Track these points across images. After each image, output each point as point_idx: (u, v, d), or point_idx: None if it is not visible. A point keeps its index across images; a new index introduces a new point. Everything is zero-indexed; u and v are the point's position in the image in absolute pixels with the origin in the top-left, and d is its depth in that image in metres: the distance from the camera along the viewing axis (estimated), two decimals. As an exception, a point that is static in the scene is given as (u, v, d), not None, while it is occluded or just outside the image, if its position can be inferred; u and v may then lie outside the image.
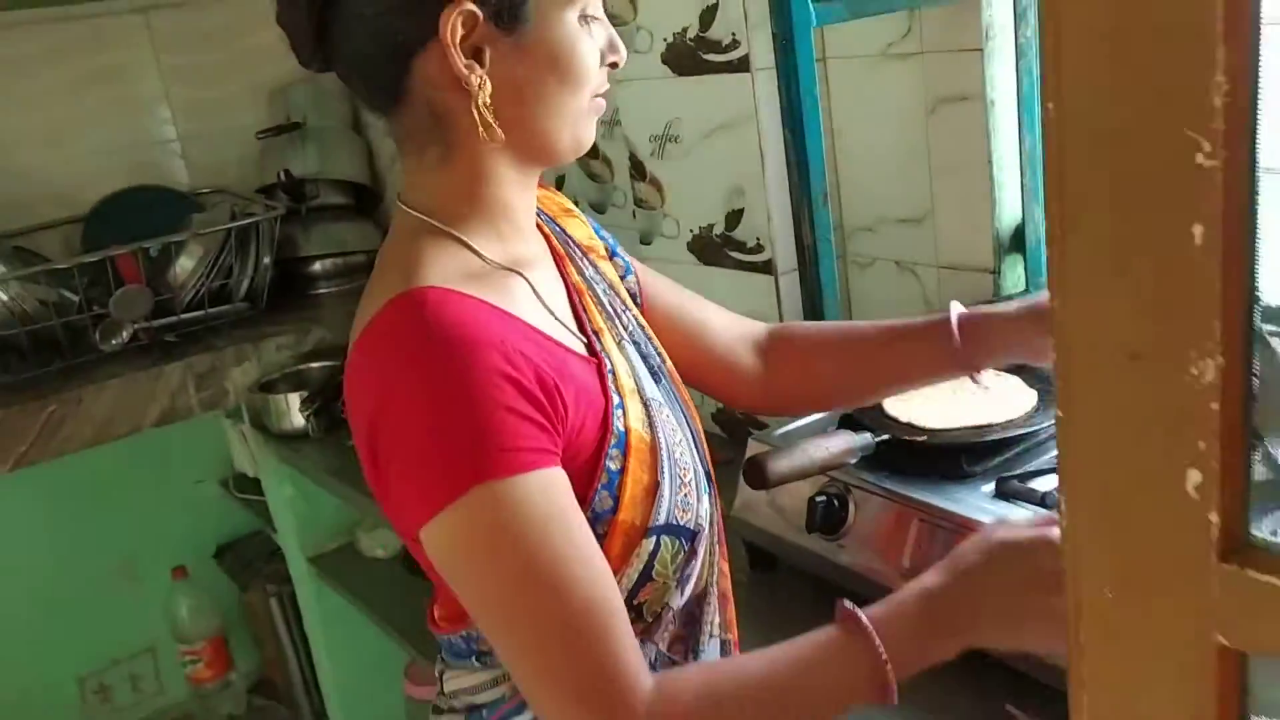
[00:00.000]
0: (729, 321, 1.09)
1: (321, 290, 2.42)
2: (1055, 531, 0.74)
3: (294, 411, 2.03)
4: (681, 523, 0.85)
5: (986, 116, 1.35)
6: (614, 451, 0.82)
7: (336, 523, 2.22)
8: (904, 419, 1.20)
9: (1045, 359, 0.96)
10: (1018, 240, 1.42)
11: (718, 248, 1.62)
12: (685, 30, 1.55)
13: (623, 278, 1.01)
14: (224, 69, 2.54)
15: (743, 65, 1.48)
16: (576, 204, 1.97)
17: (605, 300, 0.94)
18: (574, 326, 0.89)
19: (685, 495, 0.86)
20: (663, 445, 0.85)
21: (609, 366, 0.86)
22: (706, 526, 0.89)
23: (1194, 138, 0.43)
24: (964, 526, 1.05)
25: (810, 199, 1.30)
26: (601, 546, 0.78)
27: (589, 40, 0.82)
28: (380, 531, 2.15)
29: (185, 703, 2.71)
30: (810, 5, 1.23)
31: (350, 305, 0.86)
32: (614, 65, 0.86)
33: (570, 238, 0.98)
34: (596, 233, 1.03)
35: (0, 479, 1.95)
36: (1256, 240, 0.44)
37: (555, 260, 0.93)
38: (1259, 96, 0.43)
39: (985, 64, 1.33)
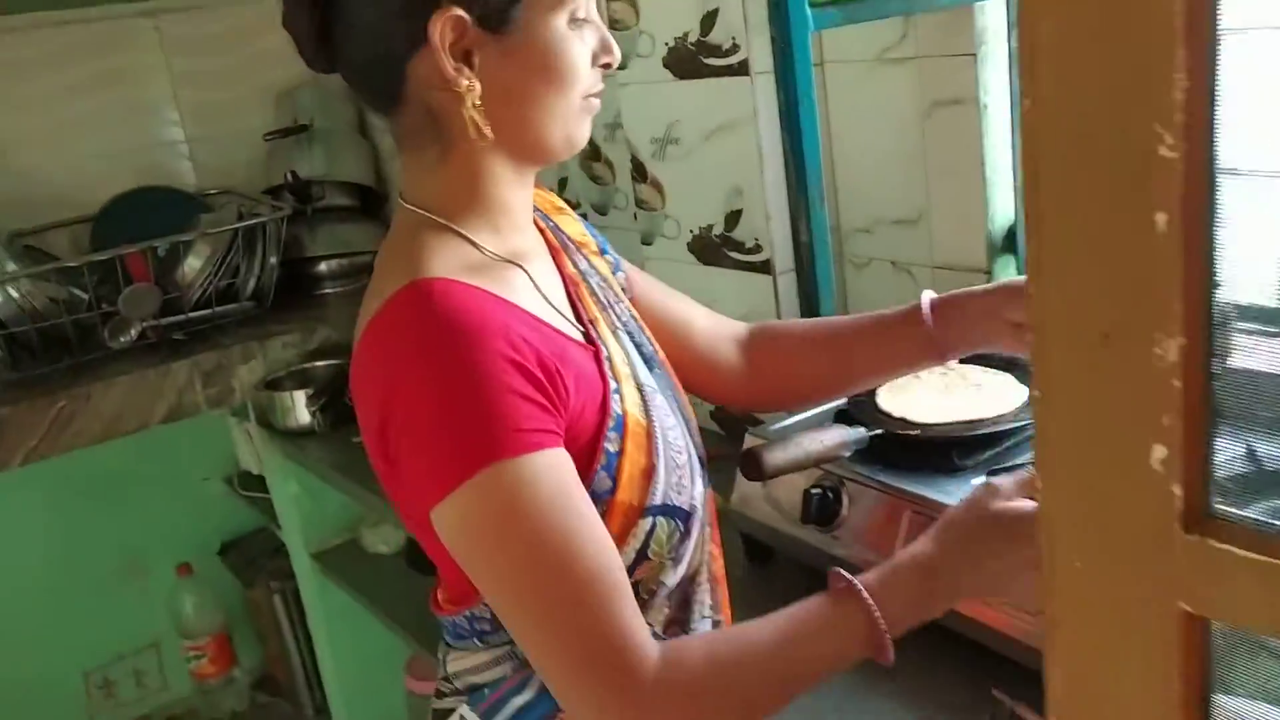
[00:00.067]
0: (711, 320, 1.12)
1: (327, 290, 2.45)
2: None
3: (299, 408, 2.06)
4: (676, 504, 0.88)
5: (980, 120, 1.38)
6: (612, 434, 0.85)
7: (340, 519, 2.24)
8: (897, 414, 1.23)
9: (1010, 336, 0.99)
10: (1010, 241, 1.45)
11: (717, 248, 1.65)
12: (686, 35, 1.58)
13: (613, 273, 1.04)
14: (232, 72, 2.58)
15: (742, 69, 1.51)
16: (578, 206, 2.00)
17: (599, 292, 0.97)
18: (571, 316, 0.92)
19: (679, 478, 0.89)
20: (657, 429, 0.88)
21: (606, 353, 0.90)
22: (700, 508, 0.92)
23: (1157, 131, 0.46)
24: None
25: (807, 200, 1.33)
26: None
27: (578, 43, 0.85)
28: (383, 528, 2.18)
29: (189, 698, 2.74)
30: (808, 10, 1.26)
31: (355, 305, 0.89)
32: (606, 66, 0.88)
33: (564, 233, 1.01)
34: (587, 230, 1.06)
35: (9, 475, 1.98)
36: (1216, 227, 0.47)
37: (551, 253, 0.97)
38: (1217, 93, 0.46)
39: (979, 69, 1.36)
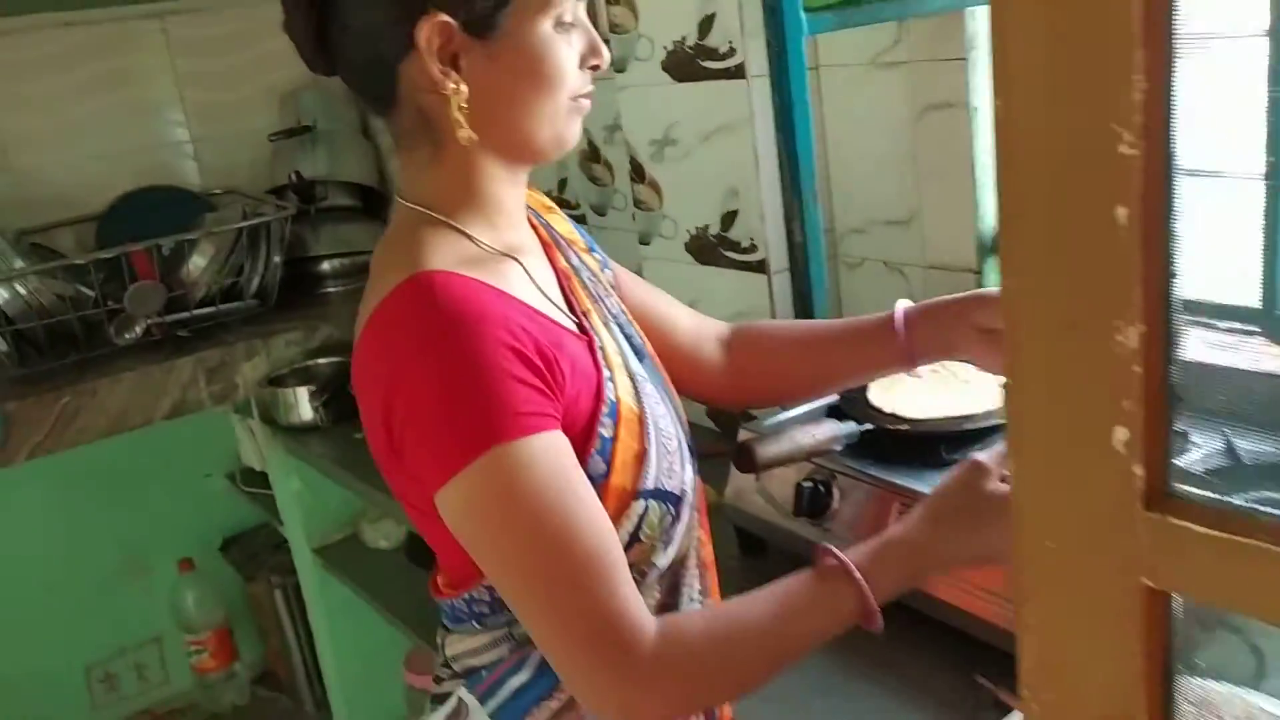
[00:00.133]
0: (694, 319, 1.16)
1: (330, 289, 2.48)
2: None
3: (302, 405, 2.09)
4: (667, 488, 0.91)
5: (970, 123, 1.41)
6: (606, 420, 0.88)
7: (341, 515, 2.27)
8: (888, 409, 1.26)
9: (977, 343, 1.02)
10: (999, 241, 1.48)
11: (713, 248, 1.68)
12: (684, 39, 1.61)
13: (601, 270, 1.07)
14: (236, 73, 2.61)
15: (739, 72, 1.54)
16: (577, 206, 2.03)
17: (590, 285, 1.00)
18: (565, 307, 0.95)
19: (670, 463, 0.92)
20: (649, 416, 0.92)
21: (599, 343, 0.93)
22: (689, 492, 0.95)
23: (1117, 130, 0.49)
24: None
25: (801, 200, 1.36)
26: None
27: (564, 46, 0.88)
28: (384, 523, 2.21)
29: (190, 692, 2.77)
30: (802, 15, 1.30)
31: (358, 303, 0.91)
32: (595, 68, 0.91)
33: (555, 230, 1.04)
34: (576, 229, 1.09)
35: (13, 470, 2.01)
36: (1173, 221, 0.50)
37: (544, 248, 1.00)
38: (1174, 95, 0.49)
39: (969, 73, 1.39)
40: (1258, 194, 1.02)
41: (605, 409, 0.88)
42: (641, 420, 0.91)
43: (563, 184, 2.20)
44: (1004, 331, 0.57)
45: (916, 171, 1.50)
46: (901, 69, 1.47)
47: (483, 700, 0.92)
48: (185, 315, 2.14)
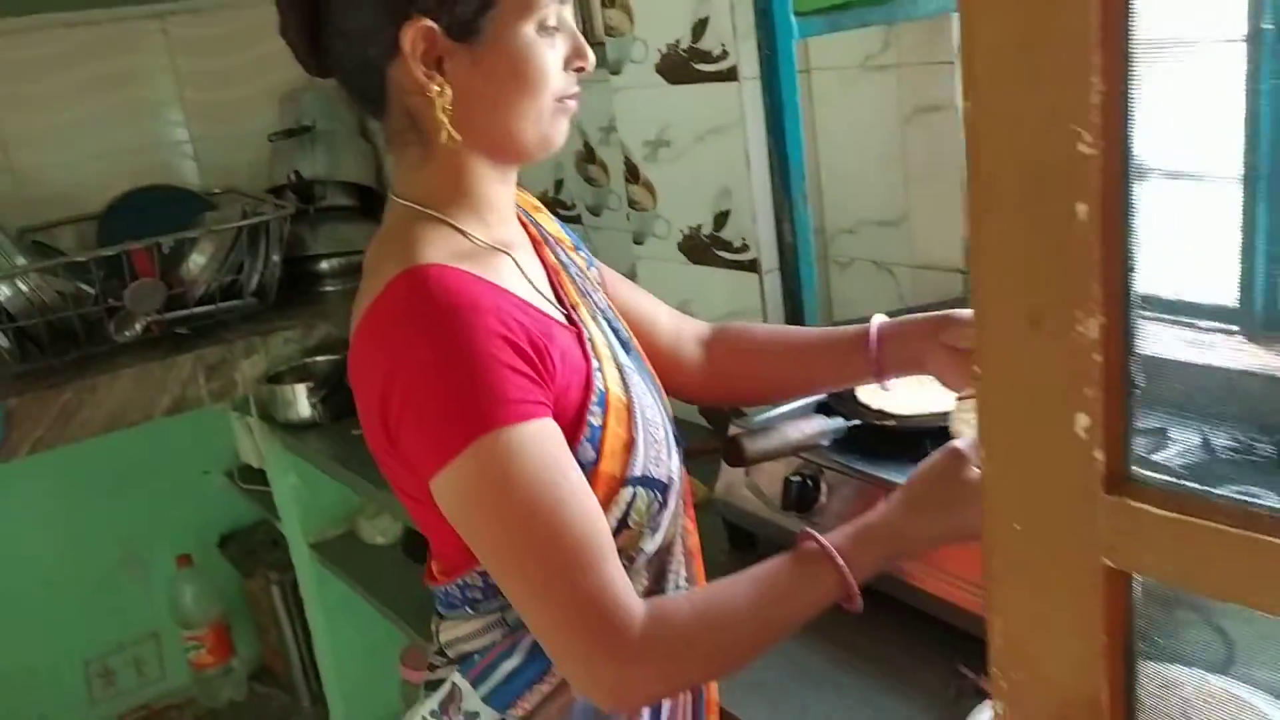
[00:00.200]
0: (675, 318, 1.19)
1: (328, 288, 2.50)
2: None
3: (300, 401, 2.11)
4: (654, 475, 0.94)
5: (958, 125, 1.43)
6: (595, 409, 0.90)
7: (338, 511, 2.30)
8: (875, 406, 1.28)
9: (943, 362, 1.05)
10: (987, 243, 1.50)
11: (706, 247, 1.70)
12: (678, 42, 1.64)
13: (588, 268, 1.10)
14: (236, 74, 2.64)
15: (731, 75, 1.56)
16: (573, 207, 2.06)
17: (578, 281, 1.03)
18: (554, 300, 0.98)
19: (657, 451, 0.95)
20: (636, 406, 0.94)
21: (587, 335, 0.95)
22: (676, 480, 0.98)
23: (1076, 130, 0.51)
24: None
25: (790, 200, 1.39)
26: None
27: (547, 49, 0.90)
28: (381, 519, 2.23)
29: (187, 687, 2.79)
30: (792, 19, 1.32)
31: (355, 302, 0.94)
32: (580, 70, 0.94)
33: (543, 228, 1.07)
34: (563, 229, 1.12)
35: (14, 466, 2.04)
36: (1131, 217, 0.53)
37: (533, 245, 1.02)
38: (1130, 96, 0.51)
39: (957, 76, 1.42)
40: (1237, 196, 1.05)
41: (594, 398, 0.91)
42: (629, 409, 0.93)
43: (559, 185, 2.23)
44: (970, 350, 0.60)
45: (906, 173, 1.53)
46: (891, 72, 1.50)
47: (475, 685, 0.95)
48: (185, 313, 2.16)
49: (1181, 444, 0.90)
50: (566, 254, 1.06)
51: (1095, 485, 0.55)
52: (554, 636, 0.83)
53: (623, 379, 0.95)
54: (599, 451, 0.90)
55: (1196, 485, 0.55)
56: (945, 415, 1.25)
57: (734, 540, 1.40)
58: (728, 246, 1.66)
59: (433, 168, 0.93)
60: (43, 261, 2.13)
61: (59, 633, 2.61)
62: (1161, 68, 0.60)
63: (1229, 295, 1.11)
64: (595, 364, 0.93)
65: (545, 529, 0.81)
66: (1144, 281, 0.62)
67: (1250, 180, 1.04)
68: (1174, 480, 0.55)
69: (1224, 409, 0.89)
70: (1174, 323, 0.94)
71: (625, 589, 0.83)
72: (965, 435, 1.03)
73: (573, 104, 0.94)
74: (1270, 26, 0.89)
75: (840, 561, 0.87)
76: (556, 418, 0.86)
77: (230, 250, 2.20)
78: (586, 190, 2.15)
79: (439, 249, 0.88)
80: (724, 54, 1.57)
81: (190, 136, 2.65)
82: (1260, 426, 0.87)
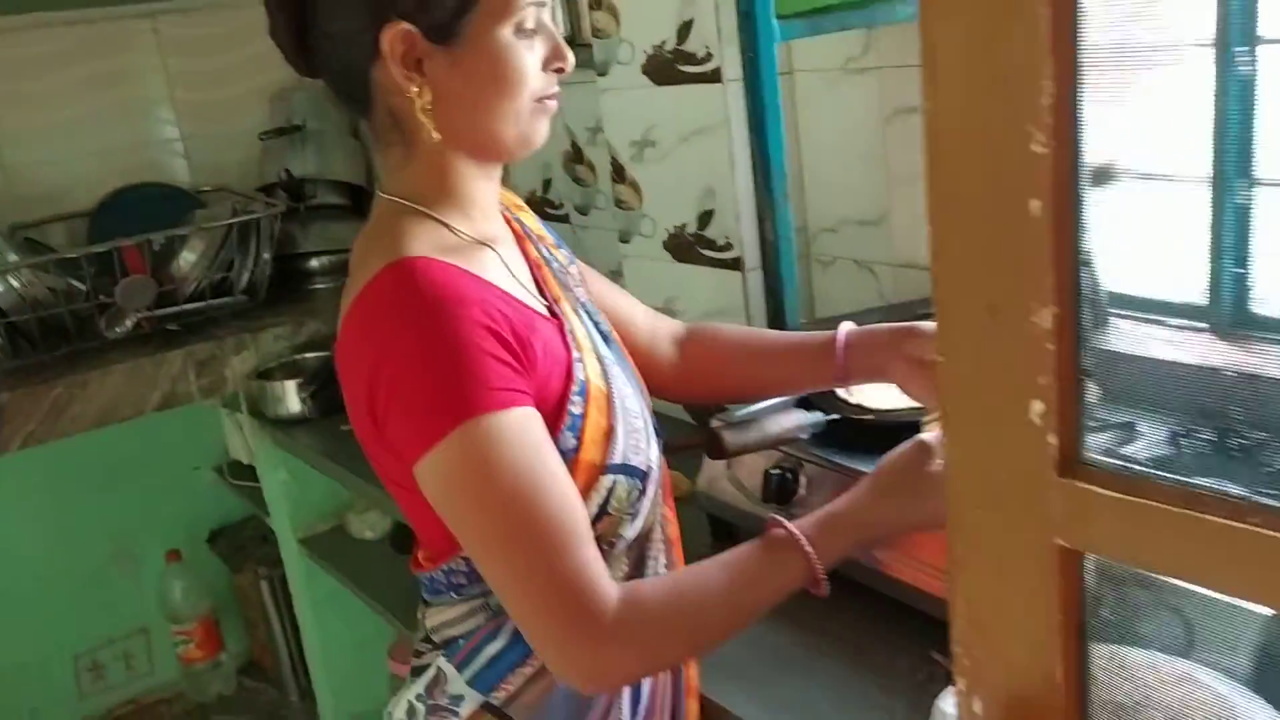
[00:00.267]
0: (651, 317, 1.23)
1: (318, 285, 2.52)
2: None
3: (290, 397, 2.13)
4: (634, 463, 0.96)
5: (937, 127, 1.46)
6: (576, 398, 0.93)
7: (327, 506, 2.32)
8: (853, 400, 1.31)
9: (905, 372, 1.08)
10: (966, 242, 1.54)
11: (690, 246, 1.73)
12: (663, 44, 1.66)
13: (569, 264, 1.13)
14: (227, 73, 2.66)
15: (715, 76, 1.59)
16: (561, 206, 2.08)
17: (560, 276, 1.06)
18: (537, 293, 1.01)
19: (636, 440, 0.98)
20: (616, 395, 0.97)
21: (568, 326, 0.98)
22: (655, 469, 1.01)
23: (1030, 130, 0.54)
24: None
25: (772, 199, 1.41)
26: None
27: (525, 51, 0.92)
28: (369, 514, 2.25)
29: (176, 682, 2.80)
30: (774, 23, 1.35)
31: (344, 299, 0.96)
32: (559, 70, 0.96)
33: (525, 225, 1.10)
34: (544, 227, 1.15)
35: (4, 460, 2.06)
36: (1082, 212, 0.56)
37: (516, 240, 1.05)
38: (1079, 98, 0.54)
39: (935, 79, 1.45)
40: (1207, 197, 1.08)
41: (575, 388, 0.93)
42: (609, 399, 0.96)
43: (547, 184, 2.25)
44: (931, 363, 0.63)
45: (886, 173, 1.55)
46: (872, 74, 1.53)
47: (460, 668, 0.97)
48: (175, 309, 2.18)
49: (1151, 438, 0.93)
50: (549, 250, 1.08)
51: (1049, 469, 0.58)
52: (530, 619, 0.85)
53: (603, 369, 0.98)
54: (580, 439, 0.92)
55: (1143, 469, 0.58)
56: (920, 410, 1.28)
57: (716, 532, 1.43)
58: (712, 245, 1.69)
59: (417, 165, 0.96)
60: (34, 258, 2.14)
61: (48, 627, 2.63)
62: (1130, 72, 0.63)
63: (1199, 294, 1.14)
64: (576, 355, 0.96)
65: (524, 513, 0.84)
66: (1116, 281, 0.66)
67: (1218, 182, 1.07)
68: (1123, 464, 0.58)
69: (1193, 404, 0.91)
70: (1146, 320, 0.97)
71: (601, 573, 0.85)
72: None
73: (553, 104, 0.97)
74: (1237, 29, 0.92)
75: (807, 548, 0.90)
76: (538, 406, 0.88)
77: (221, 247, 2.22)
78: (574, 190, 2.17)
79: (425, 242, 0.91)
80: (708, 56, 1.60)
81: (181, 135, 2.67)
82: (1227, 420, 0.90)
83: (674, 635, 0.88)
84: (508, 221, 1.06)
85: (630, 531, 0.96)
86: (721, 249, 1.67)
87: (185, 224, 2.20)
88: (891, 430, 1.27)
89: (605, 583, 0.85)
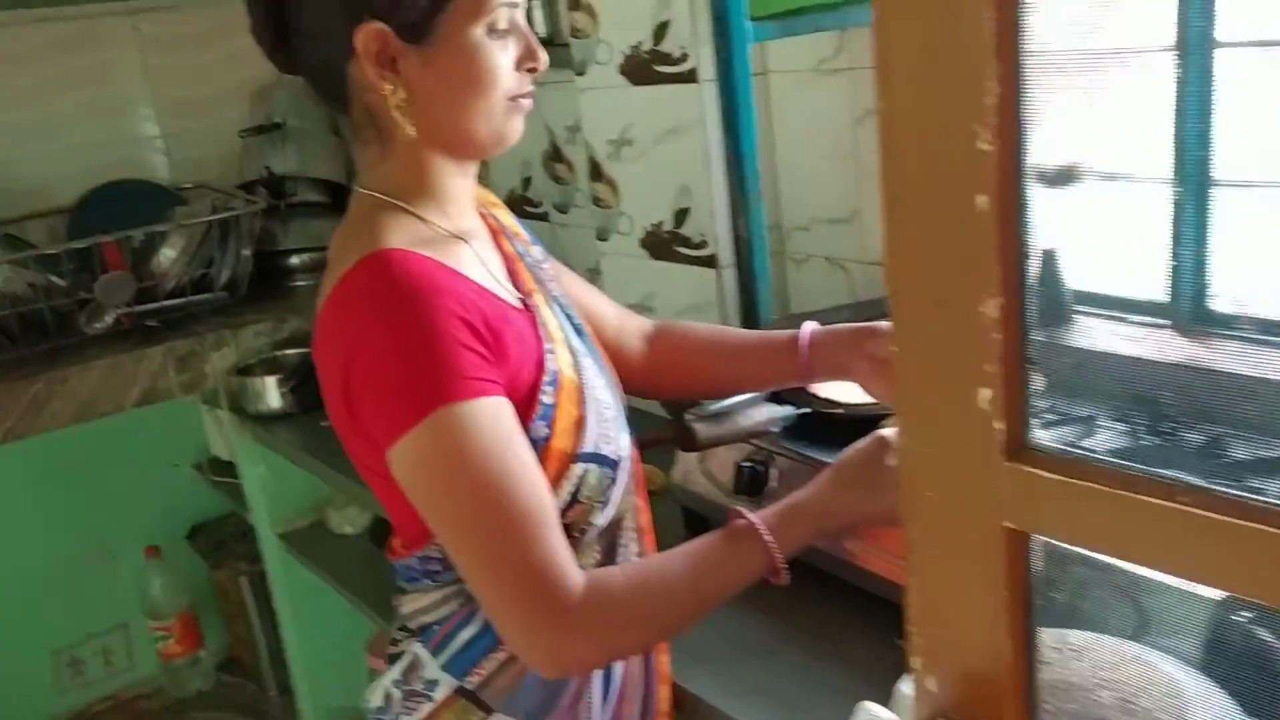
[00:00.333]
0: (620, 314, 1.25)
1: (299, 282, 2.53)
2: None
3: (270, 393, 2.14)
4: (605, 452, 0.99)
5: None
6: (548, 388, 0.95)
7: (307, 501, 2.33)
8: (823, 394, 1.34)
9: (865, 371, 1.12)
10: (936, 241, 1.57)
11: (667, 243, 1.75)
12: (640, 44, 1.69)
13: (542, 261, 1.15)
14: (208, 70, 2.66)
15: (691, 77, 1.61)
16: (540, 205, 2.10)
17: (533, 270, 1.08)
18: (510, 286, 1.03)
19: (607, 430, 1.00)
20: (587, 386, 1.00)
21: (541, 319, 1.01)
22: (625, 458, 1.03)
23: (976, 129, 0.57)
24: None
25: (746, 198, 1.44)
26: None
27: (498, 51, 0.94)
28: (349, 510, 2.27)
29: (155, 677, 2.80)
30: (747, 24, 1.37)
31: (325, 295, 0.98)
32: (532, 70, 0.98)
33: (500, 220, 1.12)
34: (519, 224, 1.17)
35: (-19, 457, 2.06)
36: (1026, 207, 0.58)
37: (492, 235, 1.08)
38: (1022, 98, 0.57)
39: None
40: (1168, 197, 1.11)
41: (547, 378, 0.96)
42: (580, 389, 0.99)
43: (527, 182, 2.28)
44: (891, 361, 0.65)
45: (858, 172, 1.58)
46: (844, 75, 1.56)
47: (435, 653, 0.99)
48: (155, 306, 2.18)
49: (1095, 425, 0.96)
50: (523, 245, 1.11)
51: (996, 453, 0.61)
52: (497, 603, 0.88)
53: (574, 361, 1.00)
54: (552, 428, 0.95)
55: (1084, 453, 0.61)
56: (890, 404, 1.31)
57: (690, 524, 1.45)
58: (687, 243, 1.71)
59: (394, 161, 0.98)
60: (14, 254, 2.15)
61: (27, 623, 2.63)
62: (1084, 75, 0.66)
63: (1161, 291, 1.17)
64: (548, 346, 0.98)
65: (493, 500, 0.86)
66: (1080, 279, 0.69)
67: (1179, 181, 1.10)
68: (1065, 448, 0.61)
69: (1153, 398, 0.94)
70: (1108, 318, 1.01)
71: (567, 560, 0.87)
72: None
73: (527, 102, 0.99)
74: (1196, 33, 0.95)
75: (767, 537, 0.93)
76: (510, 395, 0.90)
77: (200, 244, 2.23)
78: (554, 188, 2.19)
79: (401, 235, 0.93)
80: (684, 56, 1.62)
81: (161, 132, 2.68)
82: (1186, 414, 0.93)
83: (638, 622, 0.90)
84: (483, 217, 1.08)
85: (601, 519, 0.99)
86: (697, 246, 1.70)
87: (165, 221, 2.21)
88: (860, 424, 1.29)
89: (572, 569, 0.87)
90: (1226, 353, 0.90)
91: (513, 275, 1.04)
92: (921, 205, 0.61)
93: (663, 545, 1.13)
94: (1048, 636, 0.73)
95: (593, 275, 1.92)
